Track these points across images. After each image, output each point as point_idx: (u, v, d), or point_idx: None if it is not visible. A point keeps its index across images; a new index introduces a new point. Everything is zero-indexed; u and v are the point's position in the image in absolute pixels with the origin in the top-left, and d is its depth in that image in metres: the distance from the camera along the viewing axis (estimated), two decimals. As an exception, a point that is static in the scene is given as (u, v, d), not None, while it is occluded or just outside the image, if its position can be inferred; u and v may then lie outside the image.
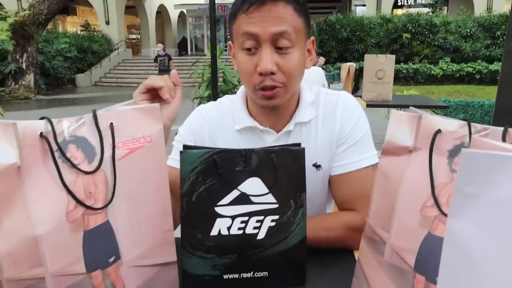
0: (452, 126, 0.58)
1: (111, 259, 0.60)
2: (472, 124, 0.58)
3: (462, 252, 0.40)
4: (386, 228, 0.63)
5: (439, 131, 0.58)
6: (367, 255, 0.66)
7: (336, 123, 0.94)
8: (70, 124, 0.57)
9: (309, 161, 0.92)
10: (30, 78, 12.65)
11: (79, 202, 0.55)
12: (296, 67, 0.86)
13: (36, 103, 11.64)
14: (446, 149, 0.57)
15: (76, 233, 0.56)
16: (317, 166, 0.95)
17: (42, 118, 0.55)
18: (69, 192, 0.54)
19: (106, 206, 0.59)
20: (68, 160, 0.55)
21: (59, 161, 0.54)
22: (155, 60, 11.25)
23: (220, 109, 1.00)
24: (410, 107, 0.67)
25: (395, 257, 0.61)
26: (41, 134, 0.53)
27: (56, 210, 0.54)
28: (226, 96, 1.04)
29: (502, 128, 0.55)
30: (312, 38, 0.93)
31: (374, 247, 0.65)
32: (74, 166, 0.56)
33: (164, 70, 10.64)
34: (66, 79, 15.08)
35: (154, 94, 0.77)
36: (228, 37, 0.97)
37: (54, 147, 0.54)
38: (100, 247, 0.58)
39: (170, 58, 11.16)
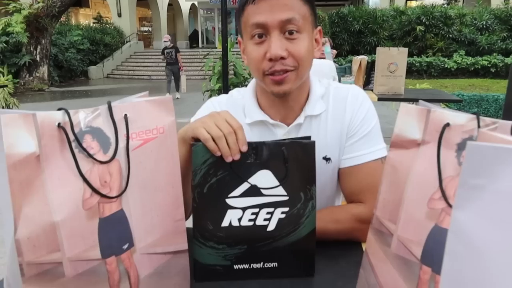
0: (461, 119, 0.59)
1: (125, 246, 0.62)
2: (481, 117, 0.58)
3: (466, 243, 0.41)
4: (394, 220, 0.63)
5: (447, 124, 0.59)
6: (374, 247, 0.67)
7: (346, 115, 0.95)
8: (86, 115, 0.59)
9: (319, 154, 0.94)
10: (44, 70, 12.81)
11: (94, 190, 0.57)
12: (306, 52, 0.87)
13: (50, 95, 11.80)
14: (455, 143, 0.57)
15: (92, 221, 0.58)
16: (327, 159, 0.96)
17: (60, 109, 0.56)
18: (85, 180, 0.56)
19: (120, 195, 0.60)
20: (84, 150, 0.57)
21: (75, 151, 0.56)
22: (162, 52, 10.53)
23: (231, 102, 1.01)
24: (420, 101, 0.68)
25: (402, 249, 0.62)
26: (59, 124, 0.55)
27: (73, 198, 0.56)
28: (237, 89, 1.05)
29: (511, 122, 0.55)
30: (319, 27, 0.94)
31: (381, 238, 0.66)
32: (90, 155, 0.57)
33: (171, 63, 10.25)
34: (79, 71, 15.23)
35: None
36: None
37: (71, 137, 0.56)
38: (115, 234, 0.61)
39: (177, 51, 10.51)
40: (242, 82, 5.78)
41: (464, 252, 0.41)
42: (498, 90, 9.27)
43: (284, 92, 0.88)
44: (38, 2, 12.28)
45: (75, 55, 14.89)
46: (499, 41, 13.20)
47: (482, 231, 0.40)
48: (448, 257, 0.42)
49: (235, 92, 1.04)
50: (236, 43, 1.02)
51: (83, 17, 23.07)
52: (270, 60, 0.84)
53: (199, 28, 23.29)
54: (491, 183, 0.39)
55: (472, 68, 12.83)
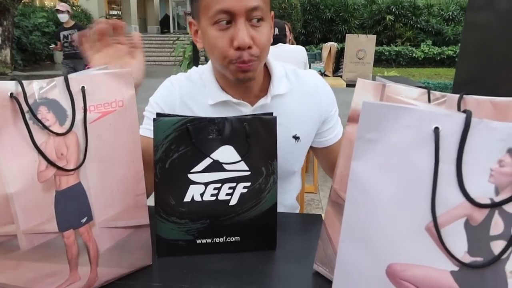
0: (414, 93, 0.61)
1: (84, 220, 0.61)
2: (432, 92, 0.61)
3: (361, 189, 0.46)
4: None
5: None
6: (331, 218, 0.69)
7: (321, 102, 1.01)
8: (41, 86, 0.57)
9: (288, 133, 0.96)
10: (6, 53, 12.21)
11: (50, 162, 0.56)
12: (268, 39, 0.87)
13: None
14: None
15: (48, 193, 0.57)
16: (296, 137, 0.99)
17: (12, 79, 0.55)
18: (40, 152, 0.55)
19: (77, 168, 0.60)
20: (39, 121, 0.56)
21: (30, 122, 0.55)
22: (57, 36, 6.21)
23: (191, 82, 0.99)
24: (377, 77, 0.70)
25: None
26: (11, 94, 0.54)
27: (28, 170, 0.55)
28: (194, 68, 1.03)
29: (458, 95, 0.58)
30: (272, 12, 0.93)
31: (338, 210, 0.68)
32: (45, 127, 0.56)
33: (71, 54, 6.01)
34: (44, 55, 14.61)
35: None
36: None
37: (25, 108, 0.54)
38: (72, 207, 0.60)
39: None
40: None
41: (361, 198, 0.47)
42: (462, 79, 9.59)
43: (249, 79, 0.88)
44: (-1, -19, 11.64)
45: (40, 38, 14.25)
46: (464, 31, 13.61)
47: (375, 178, 0.46)
48: (348, 203, 0.48)
49: (192, 71, 1.02)
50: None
51: (48, -1, 22.10)
52: (238, 48, 0.82)
53: (170, 13, 22.79)
54: (382, 136, 0.44)
55: (438, 58, 13.21)
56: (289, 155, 0.98)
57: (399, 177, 0.44)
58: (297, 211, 1.14)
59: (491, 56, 1.39)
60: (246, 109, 0.95)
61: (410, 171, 0.43)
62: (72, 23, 6.09)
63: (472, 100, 0.57)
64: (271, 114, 0.79)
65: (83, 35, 0.80)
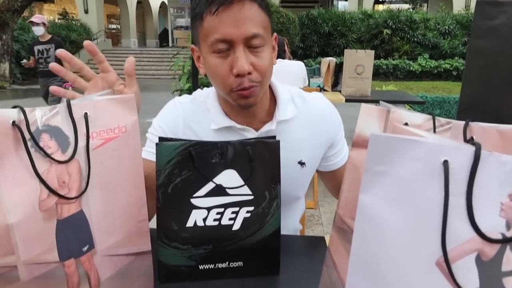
0: (418, 119, 0.61)
1: (85, 248, 0.60)
2: (437, 118, 0.60)
3: (370, 222, 0.46)
4: (355, 218, 0.65)
5: (406, 124, 0.61)
6: (336, 244, 0.68)
7: (328, 127, 1.00)
8: (43, 113, 0.57)
9: (294, 158, 0.95)
10: (5, 67, 12.25)
11: (52, 191, 0.56)
12: (269, 64, 0.86)
13: (11, 92, 11.31)
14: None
15: (49, 222, 0.56)
16: (301, 163, 0.97)
17: (15, 107, 0.54)
18: (42, 181, 0.55)
19: (80, 196, 0.59)
20: (41, 149, 0.55)
21: (31, 150, 0.54)
22: (30, 51, 5.50)
23: (195, 105, 0.97)
24: (380, 102, 0.69)
25: (363, 246, 0.64)
26: (13, 123, 0.53)
27: (29, 199, 0.54)
28: (199, 90, 1.02)
29: (463, 122, 0.58)
30: (275, 34, 0.93)
31: (344, 236, 0.67)
32: (47, 155, 0.56)
33: (48, 74, 5.31)
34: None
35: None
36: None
37: (27, 136, 0.54)
38: (74, 236, 0.59)
39: (60, 47, 5.12)
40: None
41: (369, 230, 0.46)
42: (459, 92, 9.65)
43: (251, 105, 0.87)
44: (-1, -4, 11.74)
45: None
46: (460, 45, 13.75)
47: (382, 211, 0.45)
48: (356, 235, 0.47)
49: (198, 93, 1.00)
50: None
51: (48, 13, 22.25)
52: (237, 76, 0.81)
53: (169, 26, 22.99)
54: (391, 169, 0.44)
55: (435, 71, 13.32)
56: (294, 180, 0.97)
57: (408, 210, 0.43)
58: (299, 231, 1.13)
59: (495, 81, 1.40)
60: (250, 135, 0.93)
61: (419, 204, 0.43)
62: (48, 36, 5.36)
63: (478, 128, 0.57)
64: (274, 137, 0.78)
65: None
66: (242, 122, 0.93)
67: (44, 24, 5.20)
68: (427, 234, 0.42)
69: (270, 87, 0.97)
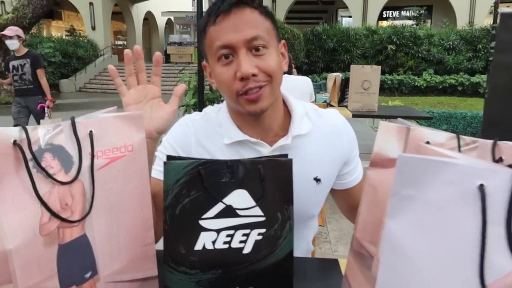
0: (441, 138, 0.58)
1: (88, 275, 0.57)
2: (461, 136, 0.57)
3: (398, 250, 0.42)
4: (374, 242, 0.61)
5: (427, 143, 0.57)
6: (354, 270, 0.64)
7: (343, 143, 0.97)
8: (46, 132, 0.54)
9: (309, 175, 0.92)
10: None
11: (54, 214, 0.52)
12: (276, 66, 0.84)
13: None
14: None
15: (50, 247, 0.53)
16: (317, 180, 0.94)
17: (16, 125, 0.52)
18: (43, 203, 0.51)
19: (83, 218, 0.56)
20: (43, 169, 0.52)
21: (33, 171, 0.51)
22: (6, 67, 4.77)
23: (206, 121, 0.95)
24: (398, 119, 0.66)
25: (384, 273, 0.59)
26: (14, 142, 0.50)
27: (29, 222, 0.51)
28: (210, 107, 1.00)
29: (491, 141, 0.54)
30: (283, 41, 0.92)
31: (362, 261, 0.63)
32: (49, 176, 0.53)
33: (22, 91, 4.64)
34: (50, 84, 14.78)
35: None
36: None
37: (28, 156, 0.51)
38: (76, 262, 0.55)
39: (38, 65, 4.78)
40: (218, 98, 5.75)
41: (396, 260, 0.42)
42: (465, 107, 9.62)
43: (261, 110, 0.84)
44: (8, 13, 11.95)
45: (46, 68, 14.44)
46: (465, 60, 13.76)
47: (412, 239, 0.41)
48: (382, 266, 0.43)
49: (208, 110, 0.98)
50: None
51: (56, 30, 22.63)
52: (242, 79, 0.81)
53: (164, 43, 23.23)
54: (421, 193, 0.40)
55: (440, 86, 13.29)
56: (309, 198, 0.94)
57: (440, 239, 0.40)
58: (311, 253, 1.09)
59: (521, 98, 1.37)
60: (264, 149, 0.90)
61: (453, 232, 0.39)
62: (24, 50, 4.67)
63: (508, 147, 0.53)
64: (286, 155, 0.75)
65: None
66: (256, 136, 0.91)
67: (19, 37, 4.57)
68: (463, 266, 0.39)
69: (284, 102, 0.95)
